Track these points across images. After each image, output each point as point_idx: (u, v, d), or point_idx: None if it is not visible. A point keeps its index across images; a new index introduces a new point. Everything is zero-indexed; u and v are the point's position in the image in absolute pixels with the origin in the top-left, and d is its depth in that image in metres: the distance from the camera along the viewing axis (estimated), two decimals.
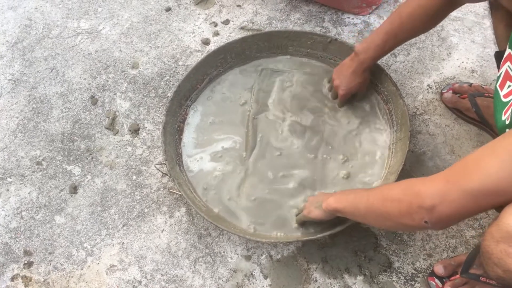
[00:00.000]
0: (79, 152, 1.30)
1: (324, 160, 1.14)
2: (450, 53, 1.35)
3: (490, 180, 0.63)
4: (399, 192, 0.76)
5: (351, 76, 1.13)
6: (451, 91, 1.24)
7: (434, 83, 1.30)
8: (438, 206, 0.68)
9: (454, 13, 1.41)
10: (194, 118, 1.25)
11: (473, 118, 1.21)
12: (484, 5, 1.42)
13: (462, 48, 1.35)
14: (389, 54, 1.35)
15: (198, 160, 1.18)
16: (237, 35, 1.46)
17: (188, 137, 1.22)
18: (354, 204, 0.88)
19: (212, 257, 1.11)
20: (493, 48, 1.33)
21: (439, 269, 1.00)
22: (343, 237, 1.09)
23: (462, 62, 1.33)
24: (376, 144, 1.16)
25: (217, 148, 1.20)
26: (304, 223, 1.06)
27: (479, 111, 1.16)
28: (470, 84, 1.23)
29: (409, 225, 0.75)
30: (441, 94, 1.26)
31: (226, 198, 1.12)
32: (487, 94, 1.18)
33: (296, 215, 1.08)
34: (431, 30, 1.39)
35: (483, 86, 1.22)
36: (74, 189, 1.24)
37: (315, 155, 1.15)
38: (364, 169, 1.12)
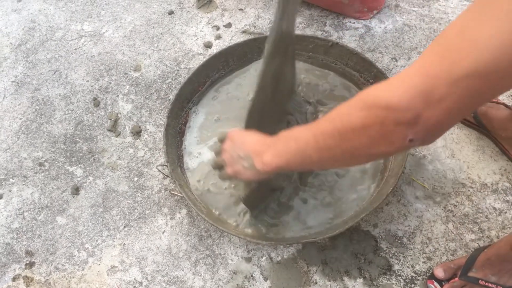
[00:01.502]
0: (81, 154, 1.31)
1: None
2: None
3: (487, 54, 0.45)
4: (359, 115, 0.56)
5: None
6: None
7: None
8: (424, 114, 0.50)
9: (454, 19, 1.42)
10: (196, 120, 1.26)
11: (471, 122, 1.22)
12: None
13: None
14: (389, 58, 1.36)
15: (197, 156, 1.21)
16: (239, 38, 1.47)
17: (190, 137, 1.23)
18: (301, 154, 0.67)
19: (213, 258, 1.12)
20: None
21: (439, 272, 1.00)
22: (342, 239, 1.10)
23: None
24: None
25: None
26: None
27: (477, 117, 1.17)
28: None
29: (388, 152, 0.57)
30: None
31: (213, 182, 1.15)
32: None
33: (216, 168, 0.88)
34: (431, 35, 1.40)
35: None
36: (76, 190, 1.24)
37: None
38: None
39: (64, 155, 1.31)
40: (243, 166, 0.77)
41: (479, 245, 1.06)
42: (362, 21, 1.46)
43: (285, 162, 0.69)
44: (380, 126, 0.53)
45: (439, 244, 1.08)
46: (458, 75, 0.47)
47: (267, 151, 0.72)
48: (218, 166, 0.86)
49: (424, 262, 1.07)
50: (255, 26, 1.49)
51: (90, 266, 1.14)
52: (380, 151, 0.57)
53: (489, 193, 1.12)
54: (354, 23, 1.46)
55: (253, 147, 0.75)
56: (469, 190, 1.13)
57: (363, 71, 1.22)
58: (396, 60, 1.37)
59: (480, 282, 0.93)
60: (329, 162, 0.66)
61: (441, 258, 1.07)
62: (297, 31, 1.46)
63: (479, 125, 1.19)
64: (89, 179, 1.26)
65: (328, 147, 0.61)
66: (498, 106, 1.16)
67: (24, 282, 1.14)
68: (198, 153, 1.21)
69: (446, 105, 0.49)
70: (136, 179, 1.25)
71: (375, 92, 0.54)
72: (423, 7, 1.46)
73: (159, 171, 1.23)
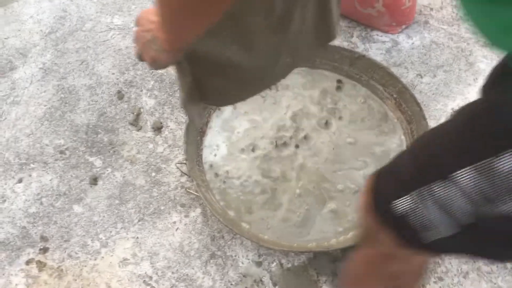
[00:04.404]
0: (102, 145, 1.32)
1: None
2: (476, 79, 1.35)
3: None
4: None
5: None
6: None
7: (458, 107, 1.30)
8: None
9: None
10: (217, 121, 1.27)
11: None
12: None
13: None
14: (414, 75, 1.36)
15: (216, 148, 1.23)
16: None
17: (213, 132, 1.26)
18: (174, 14, 0.55)
19: (224, 259, 1.13)
20: None
21: None
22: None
23: None
24: None
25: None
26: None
27: None
28: None
29: None
30: None
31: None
32: None
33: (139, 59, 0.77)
34: (459, 54, 1.39)
35: None
36: (94, 181, 1.26)
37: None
38: None
39: (85, 144, 1.33)
40: (155, 51, 0.66)
41: None
42: (389, 35, 1.45)
43: (175, 35, 0.59)
44: None
45: (451, 265, 1.07)
46: None
47: (160, 29, 0.62)
48: (140, 57, 0.74)
49: (435, 282, 1.06)
50: None
51: (103, 257, 1.16)
52: None
53: None
54: (381, 36, 1.46)
55: (155, 24, 0.63)
56: None
57: (387, 85, 1.22)
58: (421, 77, 1.36)
59: None
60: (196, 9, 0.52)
61: (452, 279, 1.06)
62: None
63: None
64: (107, 170, 1.28)
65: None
66: None
67: (37, 267, 1.16)
68: (217, 146, 1.22)
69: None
70: (153, 174, 1.26)
71: None
72: (453, 25, 1.45)
73: (178, 168, 1.24)
